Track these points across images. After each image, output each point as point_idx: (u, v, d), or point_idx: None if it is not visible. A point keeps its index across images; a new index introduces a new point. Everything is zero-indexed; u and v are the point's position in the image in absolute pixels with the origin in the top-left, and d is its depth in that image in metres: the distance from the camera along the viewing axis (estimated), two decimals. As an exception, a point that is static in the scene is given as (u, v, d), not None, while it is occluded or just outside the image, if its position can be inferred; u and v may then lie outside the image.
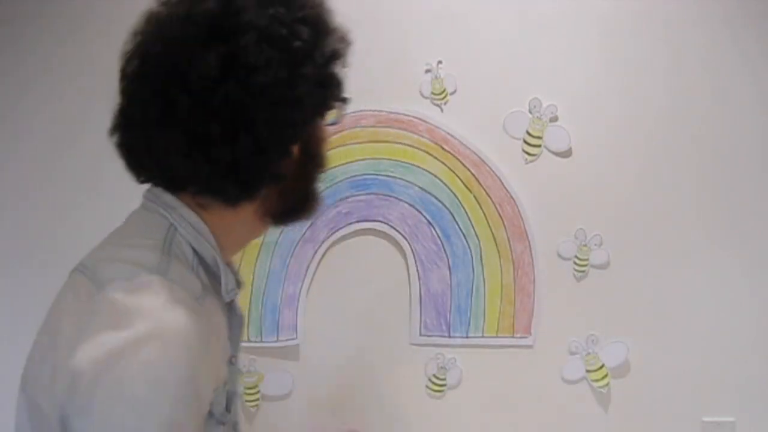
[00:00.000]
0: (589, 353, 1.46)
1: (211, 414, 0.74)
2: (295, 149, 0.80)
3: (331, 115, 0.85)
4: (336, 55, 0.80)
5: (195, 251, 0.78)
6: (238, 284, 0.86)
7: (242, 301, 1.45)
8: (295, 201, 0.85)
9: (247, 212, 0.81)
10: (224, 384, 0.79)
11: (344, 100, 0.84)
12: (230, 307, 0.85)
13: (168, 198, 0.79)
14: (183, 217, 0.78)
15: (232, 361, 0.84)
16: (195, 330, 0.69)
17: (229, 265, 0.85)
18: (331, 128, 0.88)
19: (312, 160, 0.84)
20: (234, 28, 0.73)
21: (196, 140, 0.73)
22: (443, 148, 1.46)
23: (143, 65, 0.77)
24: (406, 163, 1.46)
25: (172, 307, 0.69)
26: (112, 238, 0.80)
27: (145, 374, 0.65)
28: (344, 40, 0.81)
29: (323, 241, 1.47)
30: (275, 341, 1.48)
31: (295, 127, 0.78)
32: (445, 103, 1.46)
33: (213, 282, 0.80)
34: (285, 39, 0.74)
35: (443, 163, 1.46)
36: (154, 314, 0.68)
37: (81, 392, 0.65)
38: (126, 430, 0.64)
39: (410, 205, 1.47)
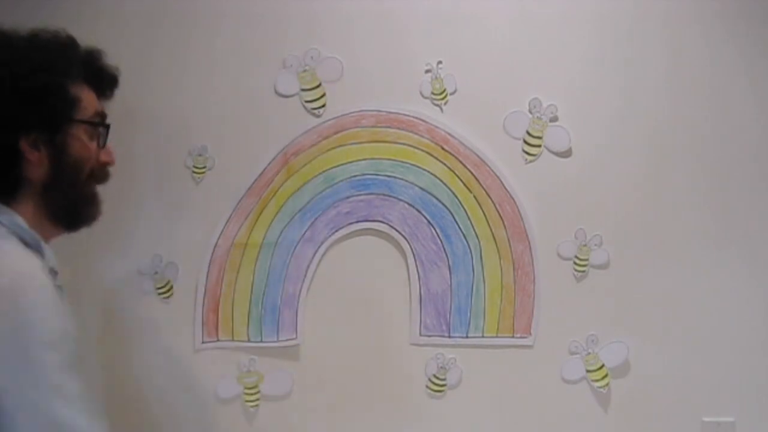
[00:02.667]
0: (589, 353, 1.46)
1: None
2: (35, 156, 1.00)
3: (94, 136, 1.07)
4: (38, 86, 1.00)
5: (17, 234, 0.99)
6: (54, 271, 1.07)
7: (242, 300, 1.46)
8: (62, 206, 1.05)
9: (27, 210, 1.02)
10: None
11: (93, 124, 1.07)
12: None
13: None
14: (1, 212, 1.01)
15: None
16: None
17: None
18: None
19: (65, 170, 1.03)
20: None
21: None
22: (443, 148, 1.46)
23: None
24: (406, 163, 1.46)
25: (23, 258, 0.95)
26: None
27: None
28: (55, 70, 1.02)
29: (323, 241, 1.47)
30: (275, 341, 1.48)
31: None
32: (445, 103, 1.46)
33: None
34: None
35: (443, 163, 1.46)
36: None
37: None
38: None
39: (410, 205, 1.47)
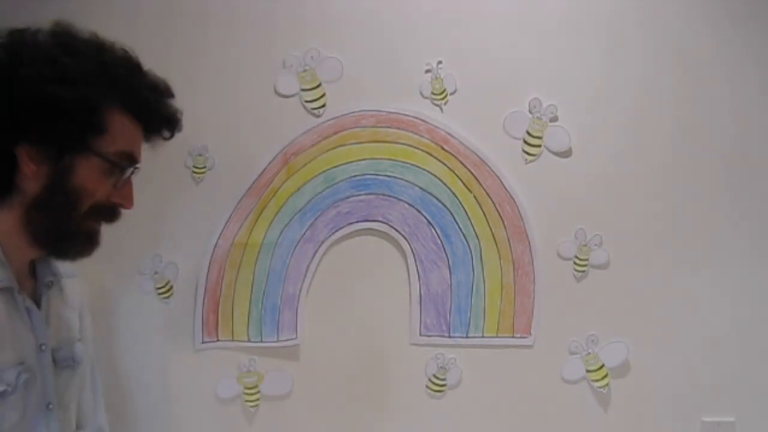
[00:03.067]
0: (589, 353, 1.46)
1: None
2: (31, 169, 0.92)
3: (113, 173, 0.97)
4: (58, 97, 0.90)
5: None
6: (50, 284, 1.03)
7: (242, 300, 1.47)
8: (44, 229, 0.96)
9: (8, 218, 0.95)
10: (19, 364, 0.94)
11: (107, 160, 0.95)
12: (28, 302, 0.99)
13: None
14: None
15: (41, 348, 0.99)
16: None
17: (35, 264, 1.01)
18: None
19: (61, 195, 0.94)
20: None
21: None
22: (443, 148, 1.46)
23: None
24: (406, 163, 1.46)
25: None
26: None
27: None
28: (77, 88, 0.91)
29: (323, 241, 1.47)
30: (275, 341, 1.48)
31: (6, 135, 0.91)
32: (445, 103, 1.46)
33: None
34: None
35: (443, 163, 1.46)
36: None
37: None
38: None
39: (410, 205, 1.47)
